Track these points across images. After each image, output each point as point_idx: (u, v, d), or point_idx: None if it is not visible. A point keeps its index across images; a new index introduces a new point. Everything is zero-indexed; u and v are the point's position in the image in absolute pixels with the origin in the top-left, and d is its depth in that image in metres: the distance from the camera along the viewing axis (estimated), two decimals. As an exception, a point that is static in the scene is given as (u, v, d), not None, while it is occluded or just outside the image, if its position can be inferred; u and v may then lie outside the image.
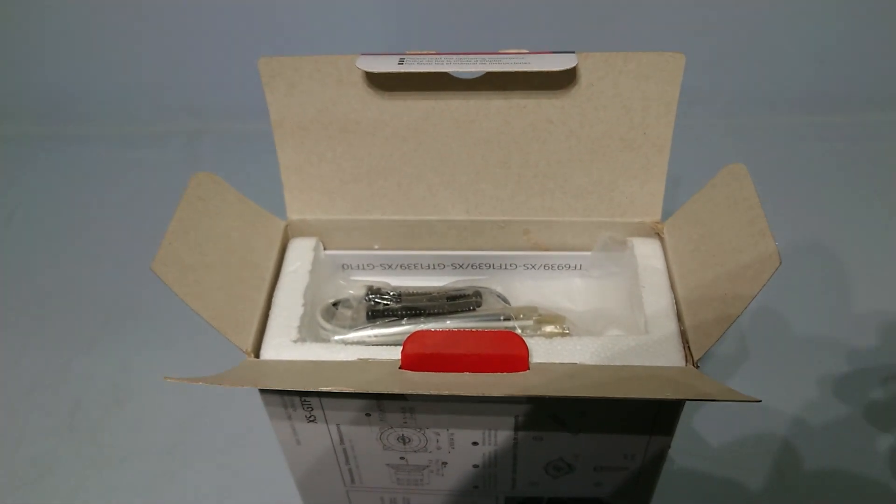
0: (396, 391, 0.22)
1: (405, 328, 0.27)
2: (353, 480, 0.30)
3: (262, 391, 0.25)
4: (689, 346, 0.25)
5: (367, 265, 0.30)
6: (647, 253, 0.28)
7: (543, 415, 0.26)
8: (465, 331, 0.23)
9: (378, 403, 0.25)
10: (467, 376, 0.23)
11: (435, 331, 0.23)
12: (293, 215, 0.29)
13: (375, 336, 0.26)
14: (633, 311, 0.27)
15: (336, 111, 0.27)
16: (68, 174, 0.70)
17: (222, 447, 0.48)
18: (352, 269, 0.31)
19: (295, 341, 0.26)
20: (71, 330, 0.56)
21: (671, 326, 0.25)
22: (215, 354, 0.53)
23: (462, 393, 0.21)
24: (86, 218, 0.65)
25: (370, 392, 0.22)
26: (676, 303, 0.26)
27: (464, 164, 0.28)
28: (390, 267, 0.30)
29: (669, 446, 0.27)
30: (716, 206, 0.25)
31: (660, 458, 0.28)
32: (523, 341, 0.23)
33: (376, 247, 0.30)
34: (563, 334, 0.26)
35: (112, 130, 0.73)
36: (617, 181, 0.27)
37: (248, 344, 0.25)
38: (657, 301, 0.26)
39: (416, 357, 0.23)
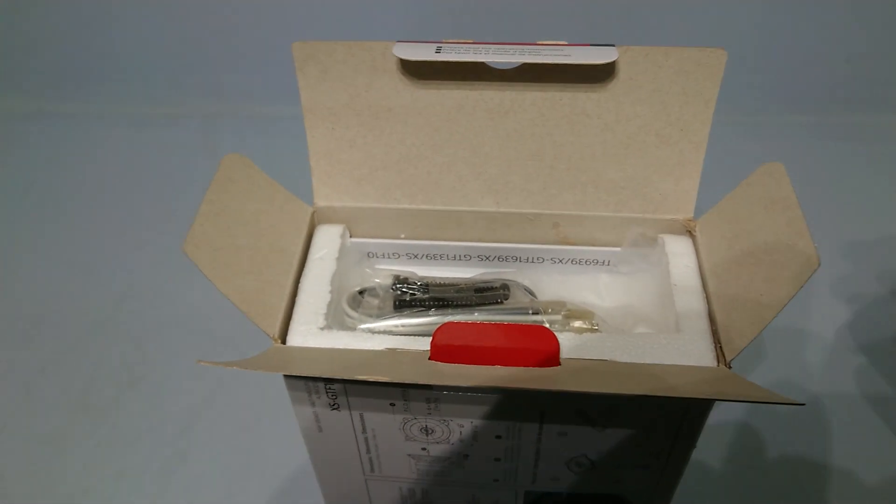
0: (427, 382, 0.21)
1: (432, 319, 0.26)
2: (372, 469, 0.30)
3: (287, 377, 0.25)
4: (720, 347, 0.24)
5: (393, 254, 0.30)
6: (679, 250, 0.27)
7: (570, 410, 0.25)
8: (495, 324, 0.23)
9: (403, 393, 0.25)
10: (498, 369, 0.22)
11: (465, 322, 0.23)
12: (320, 202, 0.29)
13: (403, 326, 0.26)
14: (663, 309, 0.27)
15: (368, 97, 0.27)
16: (83, 151, 0.70)
17: (236, 430, 0.48)
18: (377, 257, 0.30)
19: (322, 328, 0.26)
20: (84, 310, 0.56)
21: (703, 325, 0.25)
22: (229, 337, 0.53)
23: (492, 385, 0.21)
24: (99, 196, 0.65)
25: (400, 382, 0.22)
26: (708, 302, 0.26)
27: (495, 154, 0.27)
28: (416, 257, 0.30)
29: (695, 446, 0.27)
30: (751, 205, 0.25)
31: (684, 458, 0.28)
32: (554, 336, 0.23)
33: (403, 236, 0.30)
34: (592, 330, 0.26)
35: (127, 110, 0.72)
36: (651, 177, 0.27)
37: (276, 330, 0.25)
38: (689, 299, 0.26)
39: (446, 348, 0.23)
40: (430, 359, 0.23)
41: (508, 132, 0.27)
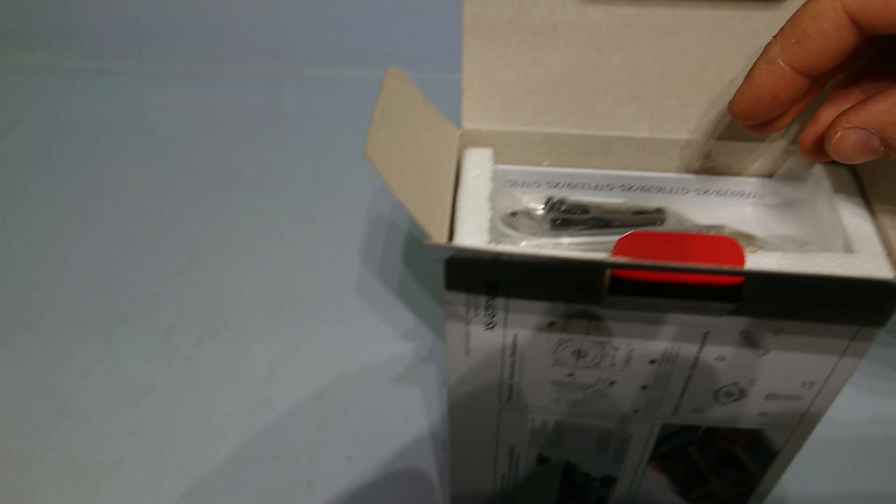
0: (627, 262, 0.20)
1: (596, 238, 0.26)
2: (509, 398, 0.30)
3: (449, 290, 0.25)
4: (899, 267, 0.24)
5: (534, 182, 0.30)
6: (840, 177, 0.27)
7: (735, 331, 0.25)
8: (680, 234, 0.23)
9: (567, 309, 0.25)
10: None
11: (649, 232, 0.23)
12: (468, 124, 0.29)
13: (569, 244, 0.26)
14: (825, 235, 0.27)
15: (534, 13, 0.26)
16: (149, 109, 0.69)
17: (320, 379, 0.48)
18: (517, 185, 0.30)
19: (488, 243, 0.25)
20: (158, 262, 0.56)
21: (877, 247, 0.25)
22: (306, 290, 0.53)
23: (684, 266, 0.20)
24: (166, 153, 0.65)
25: (605, 262, 0.21)
26: (880, 229, 0.25)
27: (656, 77, 0.27)
28: (557, 185, 0.30)
29: (852, 374, 0.27)
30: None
31: (838, 388, 0.27)
32: (740, 247, 0.23)
33: (546, 163, 0.30)
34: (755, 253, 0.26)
35: (193, 69, 0.72)
36: (813, 103, 0.27)
37: (444, 241, 0.25)
38: (856, 222, 0.25)
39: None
40: (611, 272, 0.23)
41: (673, 53, 0.26)
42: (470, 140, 0.29)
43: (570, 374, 0.28)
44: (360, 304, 0.52)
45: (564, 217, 0.27)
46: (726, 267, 0.19)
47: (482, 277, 0.24)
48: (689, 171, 0.29)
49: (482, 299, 0.25)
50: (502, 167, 0.30)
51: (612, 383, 0.28)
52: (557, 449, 0.32)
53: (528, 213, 0.28)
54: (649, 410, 0.29)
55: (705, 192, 0.29)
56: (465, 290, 0.25)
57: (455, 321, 0.26)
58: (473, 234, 0.26)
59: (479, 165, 0.28)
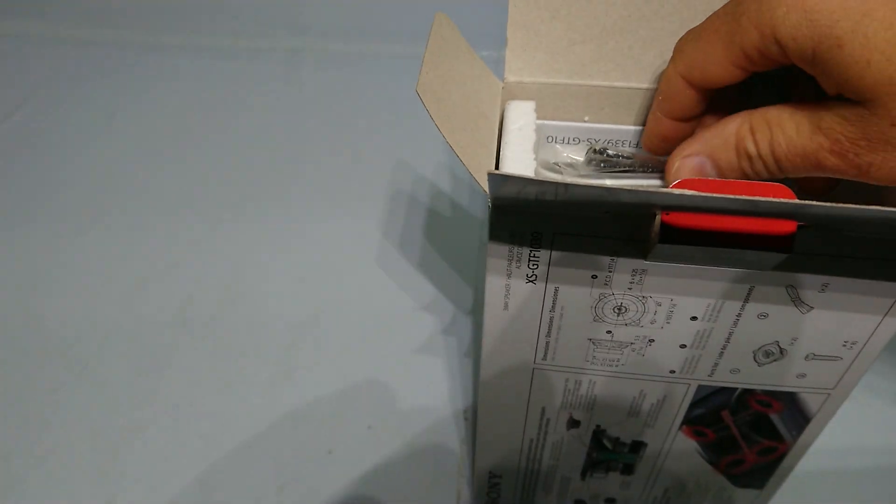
0: (680, 196, 0.20)
1: (639, 181, 0.26)
2: (545, 357, 0.29)
3: (493, 240, 0.25)
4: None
5: (573, 139, 0.30)
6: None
7: (781, 286, 0.25)
8: (733, 181, 0.22)
9: (612, 261, 0.25)
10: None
11: (702, 179, 0.23)
12: (511, 76, 0.28)
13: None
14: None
15: (582, -39, 0.26)
16: (167, 81, 0.69)
17: (341, 350, 0.48)
18: (556, 141, 0.30)
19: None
20: (178, 230, 0.55)
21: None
22: (325, 261, 0.53)
23: (740, 196, 0.20)
24: (185, 125, 0.65)
25: (650, 198, 0.20)
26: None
27: (704, 29, 0.27)
28: (597, 142, 0.30)
29: (893, 335, 0.26)
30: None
31: (878, 349, 0.27)
32: (794, 194, 0.22)
33: (586, 119, 0.29)
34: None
35: (211, 42, 0.72)
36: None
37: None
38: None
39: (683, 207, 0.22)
40: (662, 220, 0.23)
41: (722, 3, 0.26)
42: (512, 93, 0.29)
43: (609, 332, 0.28)
44: (380, 275, 0.51)
45: (608, 160, 0.27)
46: (791, 202, 0.18)
47: (528, 226, 0.24)
48: (732, 129, 0.29)
49: (525, 250, 0.25)
50: (542, 122, 0.29)
51: (651, 341, 0.28)
52: (589, 412, 0.32)
53: (571, 164, 0.27)
54: (686, 371, 0.29)
55: (747, 151, 0.29)
56: (509, 241, 0.25)
57: (496, 274, 0.26)
58: (519, 183, 0.25)
59: (522, 117, 0.28)
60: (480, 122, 0.26)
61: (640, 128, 0.29)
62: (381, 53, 0.68)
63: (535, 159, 0.26)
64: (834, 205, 0.19)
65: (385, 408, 0.45)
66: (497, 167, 0.26)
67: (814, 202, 0.19)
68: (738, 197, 0.19)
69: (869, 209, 0.19)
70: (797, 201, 0.19)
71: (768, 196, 0.22)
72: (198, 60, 0.70)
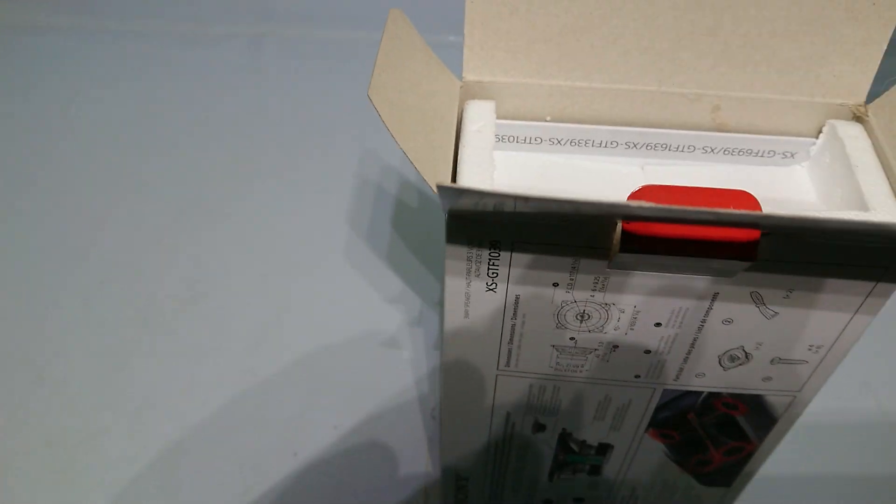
0: (639, 208, 0.19)
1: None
2: (508, 363, 0.29)
3: (450, 244, 0.24)
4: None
5: (535, 139, 0.29)
6: (853, 133, 0.26)
7: (745, 292, 0.24)
8: (696, 188, 0.22)
9: (573, 269, 0.24)
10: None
11: (662, 186, 0.22)
12: (469, 75, 0.27)
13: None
14: (835, 195, 0.26)
15: (542, -44, 0.25)
16: (124, 69, 0.67)
17: (306, 350, 0.47)
18: (518, 141, 0.29)
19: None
20: (138, 225, 0.54)
21: (893, 206, 0.24)
22: (290, 254, 0.51)
23: (701, 208, 0.19)
24: (144, 113, 0.63)
25: (611, 209, 0.20)
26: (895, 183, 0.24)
27: (668, 27, 0.26)
28: (560, 142, 0.29)
29: (859, 339, 0.26)
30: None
31: (844, 351, 0.27)
32: (758, 201, 0.22)
33: (548, 118, 0.28)
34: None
35: (171, 28, 0.69)
36: (829, 56, 0.26)
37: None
38: (873, 180, 0.25)
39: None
40: (623, 228, 0.22)
41: (688, 3, 0.25)
42: (471, 92, 0.28)
43: (572, 339, 0.27)
44: (347, 269, 0.50)
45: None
46: (753, 213, 0.18)
47: (486, 234, 0.23)
48: (698, 128, 0.28)
49: (485, 259, 0.24)
50: (503, 122, 0.28)
51: (616, 347, 0.27)
52: (554, 416, 0.31)
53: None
54: (651, 376, 0.28)
55: (713, 150, 0.28)
56: (467, 250, 0.24)
57: (455, 280, 0.25)
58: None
59: (481, 118, 0.27)
60: (437, 124, 0.25)
61: (603, 127, 0.28)
62: (347, 40, 0.66)
63: (495, 162, 0.25)
64: (795, 215, 0.18)
65: (351, 407, 0.44)
66: (455, 171, 0.25)
67: (776, 213, 0.18)
68: (700, 209, 0.19)
69: (830, 220, 0.18)
70: (760, 213, 0.18)
71: (731, 204, 0.22)
72: (158, 47, 0.68)
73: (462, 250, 0.24)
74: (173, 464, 0.41)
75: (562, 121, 0.28)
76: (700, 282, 0.24)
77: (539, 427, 0.32)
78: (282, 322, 0.48)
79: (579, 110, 0.28)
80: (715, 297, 0.25)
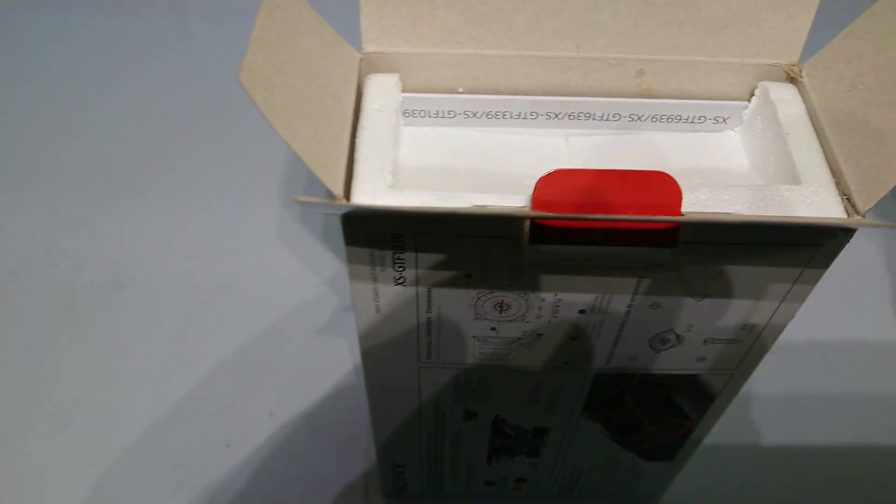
0: (538, 216, 0.18)
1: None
2: (429, 356, 0.27)
3: (350, 245, 0.22)
4: (848, 199, 0.22)
5: (448, 112, 0.26)
6: (786, 97, 0.24)
7: (671, 277, 0.23)
8: (610, 171, 0.20)
9: (484, 260, 0.22)
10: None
11: (573, 170, 0.20)
12: (369, 46, 0.25)
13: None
14: (769, 164, 0.24)
15: None
16: (40, 40, 0.62)
17: (237, 336, 0.45)
18: (429, 115, 0.26)
19: (391, 186, 0.22)
20: (56, 209, 0.50)
21: (825, 176, 0.22)
22: (218, 239, 0.49)
23: (609, 217, 0.18)
24: (61, 87, 0.59)
25: (513, 215, 0.19)
26: (829, 152, 0.23)
27: (583, -14, 0.23)
28: (475, 115, 0.26)
29: (794, 316, 0.25)
30: (880, 38, 0.22)
31: (779, 330, 0.25)
32: (677, 184, 0.20)
33: (461, 90, 0.26)
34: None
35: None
36: (760, 13, 0.24)
37: (339, 187, 0.21)
38: (805, 149, 0.23)
39: (551, 202, 0.20)
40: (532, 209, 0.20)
41: (598, -42, 0.23)
42: (372, 65, 0.25)
43: (493, 329, 0.25)
44: (280, 249, 0.48)
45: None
46: (659, 217, 0.16)
47: (386, 228, 0.21)
48: (623, 94, 0.26)
49: (388, 253, 0.22)
50: (411, 95, 0.26)
51: (539, 336, 0.25)
52: (485, 404, 0.30)
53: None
54: (581, 361, 0.27)
55: (639, 117, 0.26)
56: (368, 245, 0.22)
57: (360, 279, 0.23)
58: (375, 176, 0.22)
59: (383, 95, 0.24)
60: (328, 106, 0.22)
61: (521, 97, 0.26)
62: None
63: (396, 146, 0.23)
64: (697, 218, 0.16)
65: (287, 394, 0.42)
66: (351, 158, 0.23)
67: (678, 217, 0.16)
68: (602, 215, 0.17)
69: (735, 222, 0.16)
70: (664, 216, 0.17)
71: (648, 188, 0.20)
72: (75, 15, 0.63)
73: (362, 246, 0.22)
74: (100, 464, 0.39)
75: (475, 92, 0.26)
76: (621, 269, 0.22)
77: (470, 415, 0.31)
78: (212, 307, 0.45)
79: (494, 80, 0.26)
80: (638, 283, 0.23)
